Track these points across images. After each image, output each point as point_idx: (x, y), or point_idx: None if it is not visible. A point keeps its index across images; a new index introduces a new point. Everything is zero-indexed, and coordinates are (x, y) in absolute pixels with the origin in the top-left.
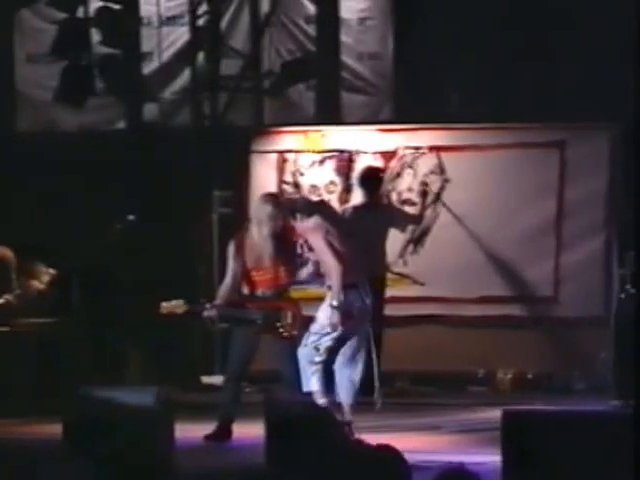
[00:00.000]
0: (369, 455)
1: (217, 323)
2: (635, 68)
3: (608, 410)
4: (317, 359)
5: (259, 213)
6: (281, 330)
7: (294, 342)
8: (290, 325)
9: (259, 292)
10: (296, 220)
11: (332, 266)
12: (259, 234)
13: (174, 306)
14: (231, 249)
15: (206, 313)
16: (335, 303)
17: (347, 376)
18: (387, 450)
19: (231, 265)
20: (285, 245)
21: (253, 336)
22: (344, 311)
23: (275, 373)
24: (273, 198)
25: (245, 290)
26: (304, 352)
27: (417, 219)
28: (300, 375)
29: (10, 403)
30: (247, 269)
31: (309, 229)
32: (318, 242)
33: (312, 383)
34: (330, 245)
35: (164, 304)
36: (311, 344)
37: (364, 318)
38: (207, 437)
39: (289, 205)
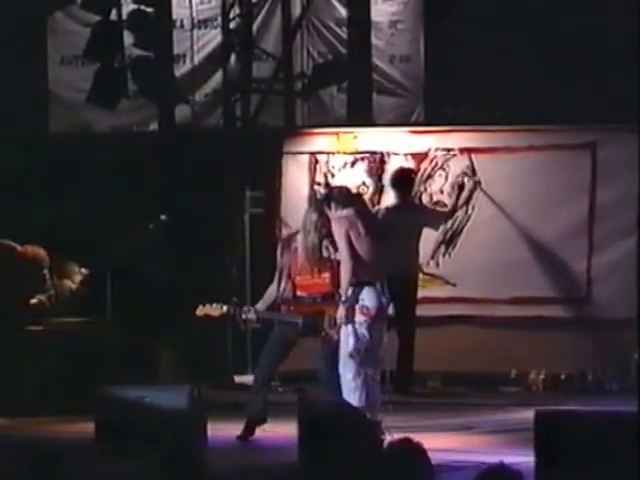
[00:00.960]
0: (398, 454)
1: (251, 325)
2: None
3: None
4: (355, 367)
5: (305, 221)
6: (323, 334)
7: (334, 345)
8: (330, 328)
9: (303, 296)
10: (330, 209)
11: (344, 261)
12: (305, 241)
13: (211, 309)
14: (278, 253)
15: (244, 316)
16: (343, 299)
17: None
18: (413, 446)
19: (278, 269)
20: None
21: (290, 339)
22: (361, 307)
23: (308, 373)
24: (319, 206)
25: (289, 293)
26: (342, 364)
27: (449, 214)
28: (337, 379)
29: (42, 402)
30: (292, 274)
31: (337, 218)
32: (339, 233)
33: (353, 399)
34: (349, 240)
35: (201, 307)
36: (346, 353)
37: (380, 316)
38: (238, 437)
39: (326, 194)
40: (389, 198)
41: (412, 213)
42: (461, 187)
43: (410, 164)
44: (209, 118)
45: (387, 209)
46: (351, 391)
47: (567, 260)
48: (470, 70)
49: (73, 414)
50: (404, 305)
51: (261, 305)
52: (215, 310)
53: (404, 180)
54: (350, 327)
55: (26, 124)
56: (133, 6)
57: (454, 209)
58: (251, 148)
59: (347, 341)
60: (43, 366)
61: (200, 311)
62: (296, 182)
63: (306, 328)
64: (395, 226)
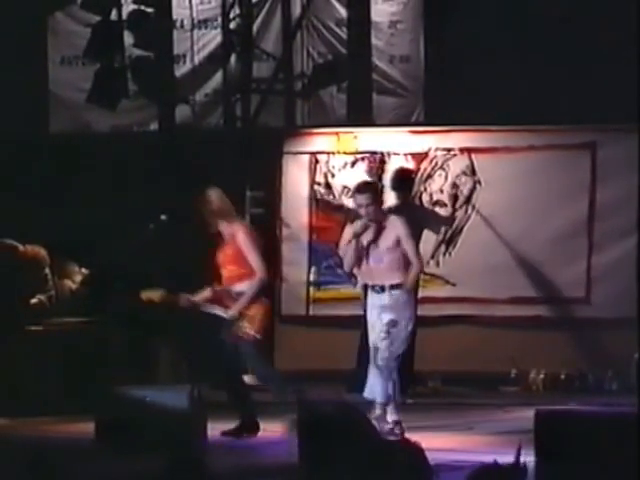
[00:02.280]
0: (396, 450)
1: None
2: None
3: None
4: (379, 362)
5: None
6: (240, 329)
7: (252, 342)
8: (247, 326)
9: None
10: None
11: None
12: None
13: (152, 294)
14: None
15: (181, 303)
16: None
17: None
18: (411, 445)
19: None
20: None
21: (222, 335)
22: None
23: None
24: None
25: (217, 285)
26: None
27: (448, 221)
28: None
29: (43, 402)
30: (218, 264)
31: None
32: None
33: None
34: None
35: (144, 292)
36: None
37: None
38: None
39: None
40: (389, 198)
41: (412, 214)
42: (455, 197)
43: (410, 164)
44: (209, 118)
45: (388, 209)
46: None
47: (567, 260)
48: (470, 70)
49: (74, 414)
50: None
51: (196, 296)
52: (155, 295)
53: (404, 180)
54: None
55: (26, 124)
56: (133, 6)
57: (452, 217)
58: (251, 148)
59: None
60: (43, 366)
61: (144, 295)
62: (296, 182)
63: (231, 322)
64: None
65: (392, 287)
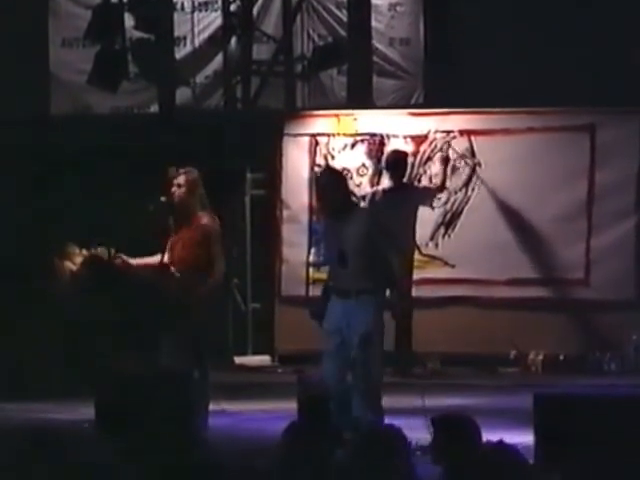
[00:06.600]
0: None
1: None
2: None
3: (639, 392)
4: None
5: None
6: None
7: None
8: None
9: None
10: None
11: None
12: None
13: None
14: None
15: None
16: None
17: None
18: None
19: None
20: None
21: None
22: None
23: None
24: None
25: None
26: None
27: (439, 188)
28: None
29: (44, 385)
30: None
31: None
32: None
33: None
34: None
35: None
36: None
37: None
38: None
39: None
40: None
41: (406, 194)
42: (446, 160)
43: (410, 146)
44: (210, 100)
45: (384, 191)
46: None
47: (566, 242)
48: (469, 52)
49: (75, 397)
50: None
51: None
52: (103, 253)
53: (397, 162)
54: None
55: (27, 106)
56: None
57: (443, 183)
58: (252, 130)
59: None
60: (44, 349)
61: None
62: (297, 164)
63: None
64: (390, 208)
65: None
